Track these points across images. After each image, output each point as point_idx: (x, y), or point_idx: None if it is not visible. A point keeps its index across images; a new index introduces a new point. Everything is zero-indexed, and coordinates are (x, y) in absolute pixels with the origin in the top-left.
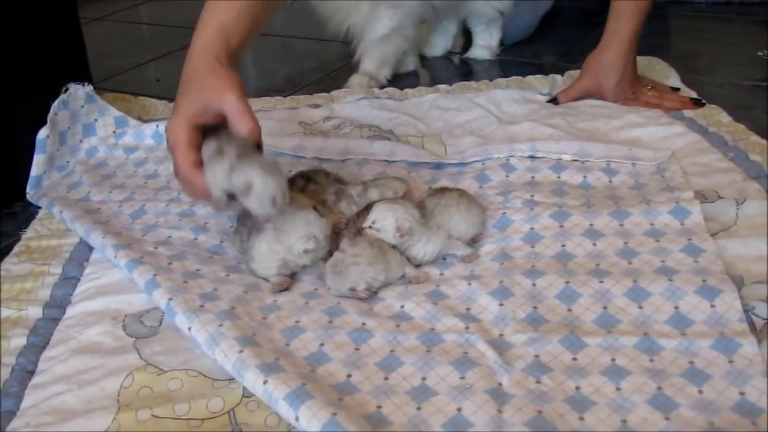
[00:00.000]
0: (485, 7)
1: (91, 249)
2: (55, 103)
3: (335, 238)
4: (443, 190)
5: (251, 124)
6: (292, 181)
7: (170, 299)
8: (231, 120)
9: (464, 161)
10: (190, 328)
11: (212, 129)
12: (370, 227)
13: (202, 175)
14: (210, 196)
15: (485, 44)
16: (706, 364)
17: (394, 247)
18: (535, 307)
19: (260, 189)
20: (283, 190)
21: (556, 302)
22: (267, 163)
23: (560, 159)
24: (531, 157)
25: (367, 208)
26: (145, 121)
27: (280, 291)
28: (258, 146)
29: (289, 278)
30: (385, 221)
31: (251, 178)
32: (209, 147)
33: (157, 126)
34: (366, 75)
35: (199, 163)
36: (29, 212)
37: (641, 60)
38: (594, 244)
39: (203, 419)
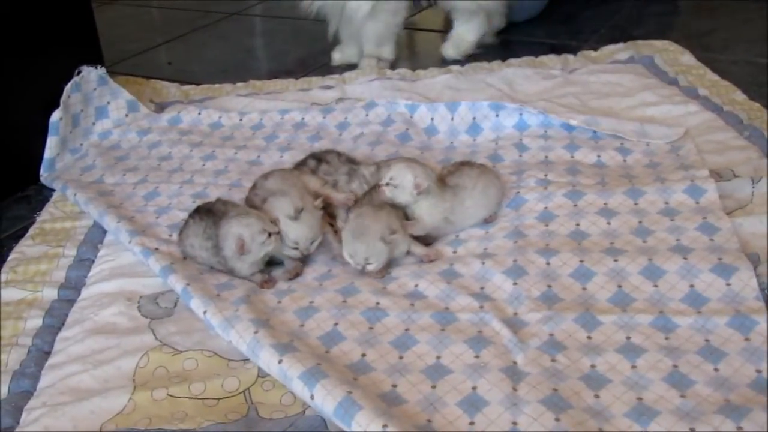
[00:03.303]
0: None
1: (105, 231)
2: (68, 85)
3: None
4: (463, 166)
5: None
6: (303, 162)
7: (187, 284)
8: None
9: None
10: (205, 312)
11: (207, 211)
12: (388, 184)
13: None
14: None
15: (458, 40)
16: (722, 341)
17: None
18: (549, 286)
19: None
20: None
21: (571, 281)
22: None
23: (573, 135)
24: (543, 136)
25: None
26: (158, 104)
27: (294, 278)
28: None
29: (301, 263)
30: (403, 179)
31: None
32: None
33: (179, 112)
34: (372, 57)
35: None
36: (43, 195)
37: (655, 43)
38: (608, 223)
39: (219, 398)
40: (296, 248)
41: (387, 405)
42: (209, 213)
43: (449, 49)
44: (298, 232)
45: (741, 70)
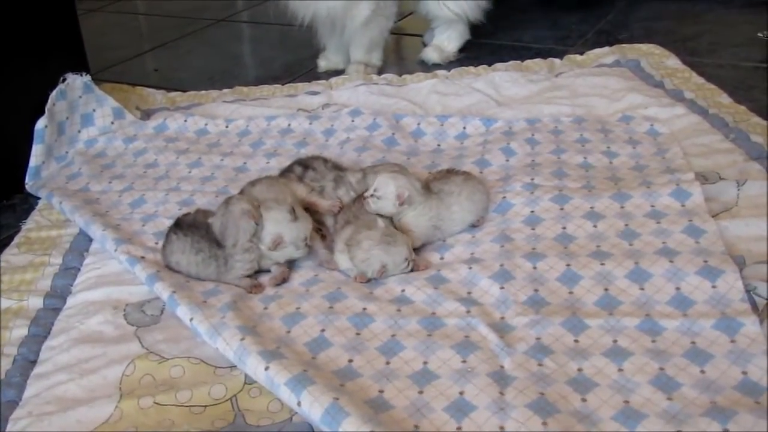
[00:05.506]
0: (439, 7)
1: (91, 239)
2: (53, 93)
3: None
4: (449, 173)
5: None
6: (289, 169)
7: (173, 292)
8: None
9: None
10: (192, 319)
11: (190, 225)
12: (372, 195)
13: None
14: None
15: (439, 45)
16: (708, 344)
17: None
18: (536, 290)
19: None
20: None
21: (558, 285)
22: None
23: (560, 139)
24: (530, 140)
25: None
26: (144, 111)
27: (281, 283)
28: None
29: (288, 269)
30: (386, 189)
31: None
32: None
33: (165, 119)
34: (360, 63)
35: None
36: (29, 204)
37: (641, 47)
38: (595, 226)
39: (206, 406)
40: (307, 244)
41: (374, 411)
42: (193, 227)
43: (432, 53)
44: (303, 228)
45: (726, 73)
